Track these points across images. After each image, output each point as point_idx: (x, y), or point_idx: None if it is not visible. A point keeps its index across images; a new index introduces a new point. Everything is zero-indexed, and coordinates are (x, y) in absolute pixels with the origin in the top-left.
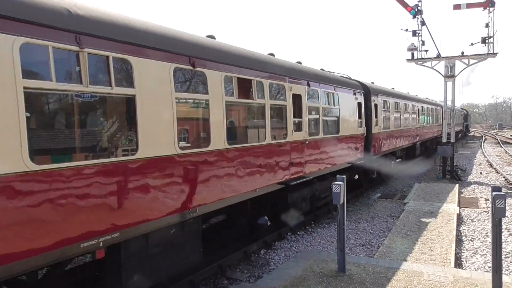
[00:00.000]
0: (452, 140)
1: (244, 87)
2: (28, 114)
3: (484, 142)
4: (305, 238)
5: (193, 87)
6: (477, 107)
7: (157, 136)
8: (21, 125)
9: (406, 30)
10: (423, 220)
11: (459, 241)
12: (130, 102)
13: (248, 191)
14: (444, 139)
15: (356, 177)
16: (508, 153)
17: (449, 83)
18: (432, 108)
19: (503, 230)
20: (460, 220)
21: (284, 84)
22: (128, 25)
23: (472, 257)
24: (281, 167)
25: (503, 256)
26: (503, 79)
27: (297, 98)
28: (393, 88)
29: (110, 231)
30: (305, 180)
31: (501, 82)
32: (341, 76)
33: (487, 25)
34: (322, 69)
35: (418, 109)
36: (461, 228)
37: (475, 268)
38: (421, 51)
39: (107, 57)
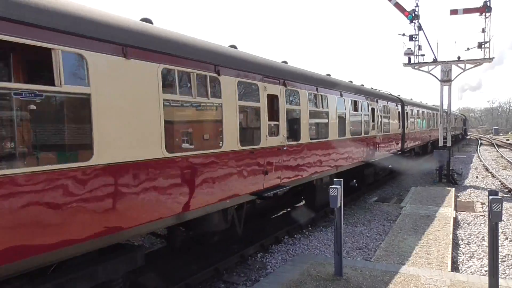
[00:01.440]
0: (448, 144)
1: (355, 105)
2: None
3: (480, 146)
4: (302, 242)
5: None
6: (473, 112)
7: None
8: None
9: (403, 34)
10: (420, 223)
11: (455, 245)
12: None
13: (351, 163)
14: (441, 143)
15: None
16: (504, 158)
17: (446, 88)
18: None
19: (499, 234)
20: (456, 224)
21: (368, 102)
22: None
23: (468, 260)
24: (364, 151)
25: (499, 260)
26: (499, 84)
27: (373, 110)
28: (411, 99)
29: (318, 174)
30: (375, 160)
31: (497, 87)
32: (386, 93)
33: (483, 30)
34: (372, 88)
35: (431, 115)
36: (457, 232)
37: (471, 272)
38: (418, 55)
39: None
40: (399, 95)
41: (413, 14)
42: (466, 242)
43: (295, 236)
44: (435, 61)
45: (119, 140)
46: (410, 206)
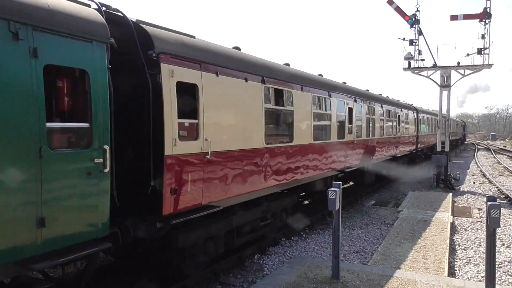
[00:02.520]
0: (447, 149)
1: (388, 113)
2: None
3: (477, 152)
4: (300, 244)
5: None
6: (471, 117)
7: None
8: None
9: (403, 39)
10: (417, 228)
11: (452, 250)
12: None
13: (385, 156)
14: (439, 148)
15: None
16: (501, 164)
17: (445, 93)
18: None
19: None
20: (453, 229)
21: (395, 111)
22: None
23: (465, 266)
24: (393, 148)
25: (496, 266)
26: (497, 90)
27: (399, 117)
28: (421, 106)
29: (367, 162)
30: (399, 156)
31: (495, 93)
32: (404, 102)
33: (483, 37)
34: (393, 98)
35: (437, 121)
36: (454, 237)
37: (468, 278)
38: (418, 60)
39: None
40: (412, 104)
41: (413, 19)
42: (463, 247)
43: (292, 238)
44: (434, 66)
45: (301, 133)
46: (408, 211)
